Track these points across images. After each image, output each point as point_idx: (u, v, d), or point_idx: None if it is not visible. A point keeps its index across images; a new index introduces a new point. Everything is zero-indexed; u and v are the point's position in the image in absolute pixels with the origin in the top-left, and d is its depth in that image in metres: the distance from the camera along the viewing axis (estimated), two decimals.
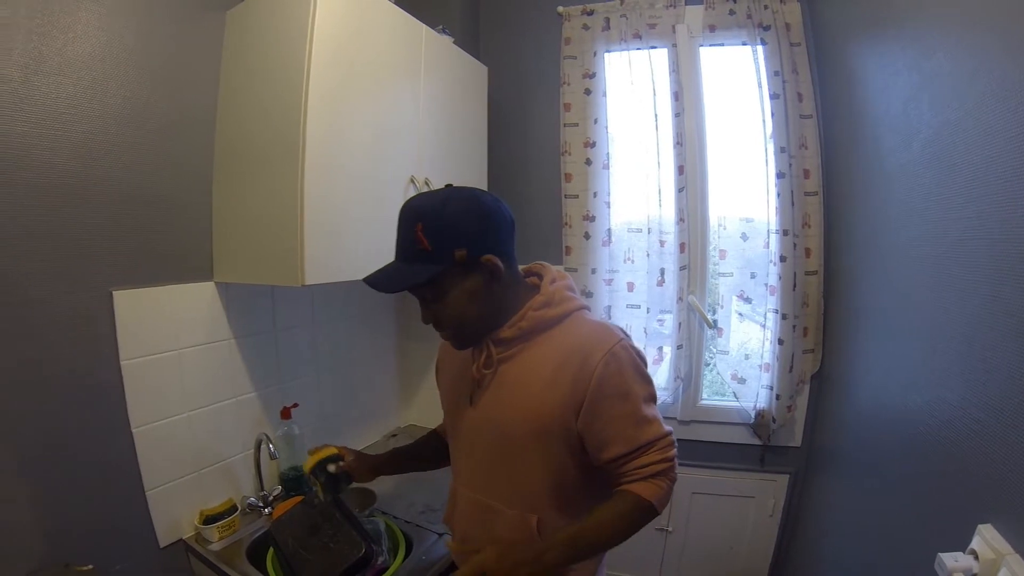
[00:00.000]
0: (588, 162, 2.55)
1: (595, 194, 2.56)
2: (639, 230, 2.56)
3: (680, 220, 2.45)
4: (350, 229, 1.74)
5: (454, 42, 2.28)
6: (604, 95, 2.53)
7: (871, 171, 1.93)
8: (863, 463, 1.90)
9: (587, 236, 2.58)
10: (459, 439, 1.36)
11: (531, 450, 1.19)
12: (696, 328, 2.57)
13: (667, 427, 1.21)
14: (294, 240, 1.59)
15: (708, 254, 2.56)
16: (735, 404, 2.54)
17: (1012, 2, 1.17)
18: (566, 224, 2.62)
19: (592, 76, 2.53)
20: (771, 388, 2.39)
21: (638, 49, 2.47)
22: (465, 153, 2.35)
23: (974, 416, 1.22)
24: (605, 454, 1.17)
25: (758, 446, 2.51)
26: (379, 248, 1.83)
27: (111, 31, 1.53)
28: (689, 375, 2.57)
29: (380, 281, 1.17)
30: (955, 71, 1.39)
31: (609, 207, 2.56)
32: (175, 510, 1.75)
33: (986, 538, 1.07)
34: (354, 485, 1.50)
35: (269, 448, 1.88)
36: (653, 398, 1.22)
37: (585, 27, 2.52)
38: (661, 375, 2.59)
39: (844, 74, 2.12)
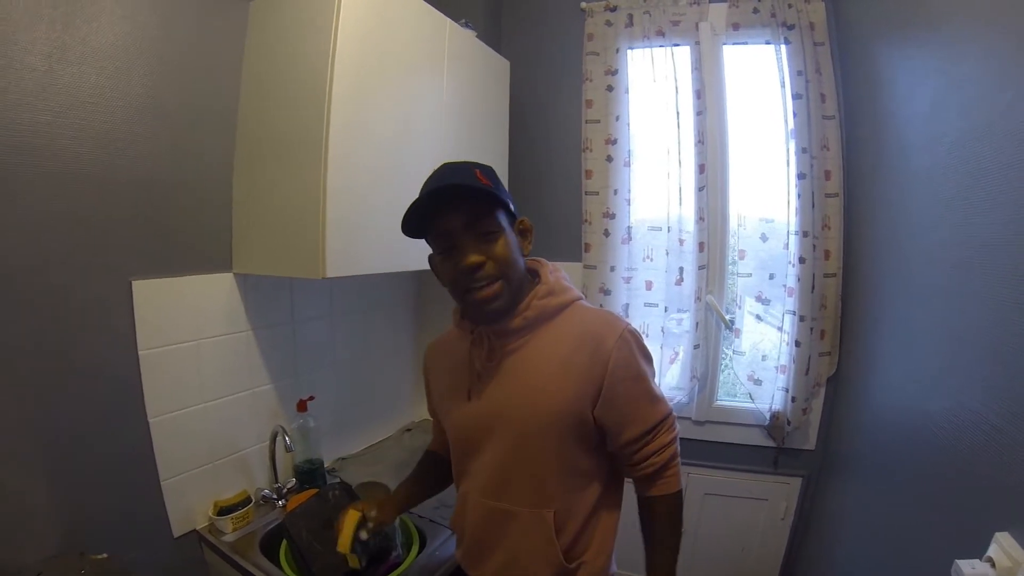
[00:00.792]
0: (609, 159, 2.54)
1: (615, 191, 2.54)
2: (659, 228, 2.54)
3: (700, 219, 2.43)
4: (371, 222, 1.73)
5: (477, 36, 2.27)
6: (626, 92, 2.51)
7: (894, 174, 1.91)
8: (878, 468, 1.89)
9: (607, 233, 2.56)
10: (462, 438, 1.32)
11: (544, 442, 1.19)
12: (713, 328, 2.55)
13: (670, 403, 1.28)
14: (316, 233, 1.58)
15: (727, 254, 2.54)
16: (750, 405, 2.52)
17: None
18: (586, 221, 2.61)
19: (614, 73, 2.51)
20: (787, 390, 2.37)
21: (661, 46, 2.44)
22: (487, 148, 2.34)
23: (994, 424, 1.21)
24: (624, 436, 1.20)
25: (772, 448, 2.49)
26: (400, 242, 1.82)
27: (134, 21, 1.53)
28: (705, 375, 2.55)
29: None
30: (984, 76, 1.37)
31: (629, 204, 2.54)
32: (189, 501, 1.75)
33: (1003, 546, 1.07)
34: (368, 481, 1.50)
35: (285, 440, 1.88)
36: (654, 376, 1.26)
37: (608, 23, 2.50)
38: (677, 374, 2.57)
39: (868, 75, 2.09)
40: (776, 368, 2.42)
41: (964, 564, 1.10)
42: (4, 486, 1.34)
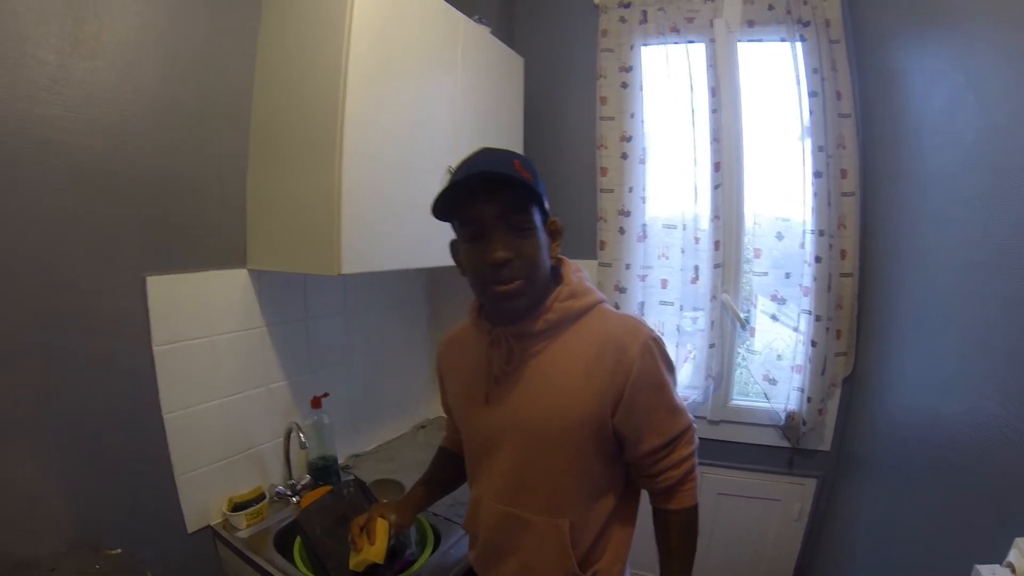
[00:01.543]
0: (624, 156, 2.53)
1: (631, 189, 2.53)
2: (674, 226, 2.53)
3: (715, 217, 2.41)
4: (387, 218, 1.74)
5: (491, 32, 2.27)
6: (641, 89, 2.50)
7: (911, 173, 1.90)
8: (894, 470, 1.87)
9: (622, 231, 2.55)
10: (477, 440, 1.30)
11: (563, 450, 1.16)
12: (728, 327, 2.54)
13: (690, 415, 1.24)
14: (331, 229, 1.58)
15: (742, 252, 2.52)
16: (765, 405, 2.50)
17: None
18: (601, 218, 2.60)
19: (629, 70, 2.50)
20: (802, 390, 2.35)
21: (675, 43, 2.43)
22: (501, 143, 2.26)
23: (1014, 427, 1.19)
24: (642, 446, 1.18)
25: (787, 448, 2.48)
26: (415, 239, 1.83)
27: (145, 16, 1.53)
28: (720, 375, 2.54)
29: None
30: (1003, 73, 1.36)
31: (644, 202, 2.53)
32: (204, 496, 1.76)
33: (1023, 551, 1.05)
34: (382, 478, 1.49)
35: (299, 437, 1.88)
36: (676, 384, 1.23)
37: (622, 20, 2.49)
38: (692, 373, 2.56)
39: (885, 72, 2.07)
40: (792, 368, 2.40)
41: (984, 569, 1.07)
42: (20, 481, 1.35)
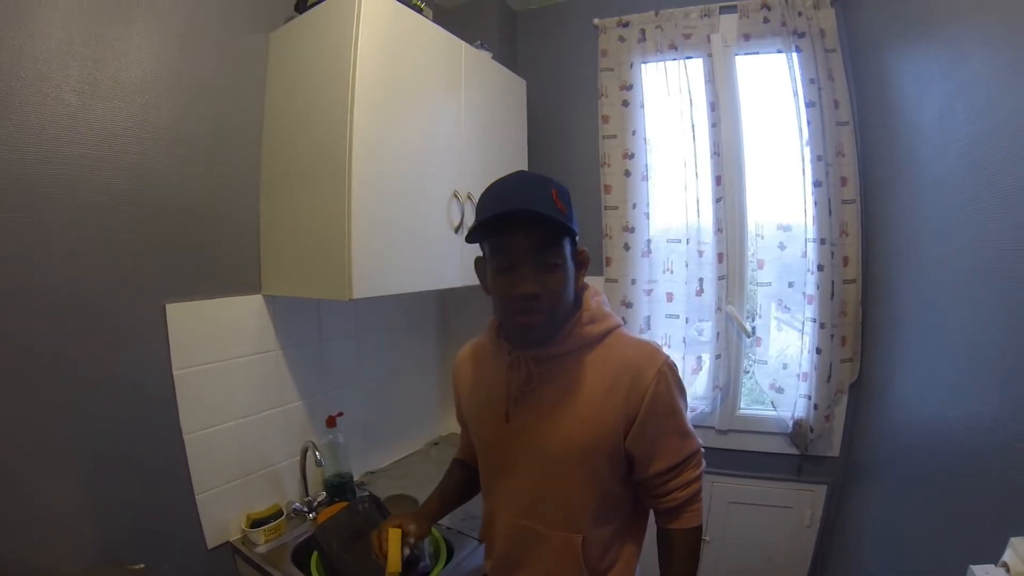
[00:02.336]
0: (627, 173, 2.57)
1: (634, 205, 2.57)
2: (678, 240, 2.56)
3: (718, 230, 2.44)
4: (396, 243, 1.78)
5: (493, 57, 2.32)
6: (641, 107, 2.55)
7: (909, 179, 1.90)
8: (900, 474, 1.88)
9: (627, 247, 2.59)
10: (493, 457, 1.32)
11: (578, 471, 1.18)
12: (734, 338, 2.56)
13: (699, 439, 1.25)
14: (341, 255, 1.62)
15: (746, 263, 2.54)
16: (773, 413, 2.51)
17: None
18: (606, 235, 2.64)
19: (629, 88, 2.54)
20: (809, 397, 2.37)
21: (674, 59, 2.47)
22: (506, 167, 2.32)
23: (1010, 429, 1.21)
24: (652, 468, 1.19)
25: (795, 456, 2.48)
26: (425, 261, 1.88)
27: (160, 57, 1.61)
28: (727, 385, 2.55)
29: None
30: (991, 78, 1.37)
31: (648, 218, 2.57)
32: (223, 514, 1.81)
33: (1018, 551, 1.05)
34: (396, 494, 1.51)
35: (315, 455, 1.92)
36: (687, 409, 1.24)
37: (621, 39, 2.54)
38: (699, 384, 2.58)
39: (880, 80, 2.09)
40: (798, 376, 2.41)
41: (978, 569, 1.08)
42: (46, 498, 1.40)
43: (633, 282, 2.59)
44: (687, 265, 2.53)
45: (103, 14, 1.47)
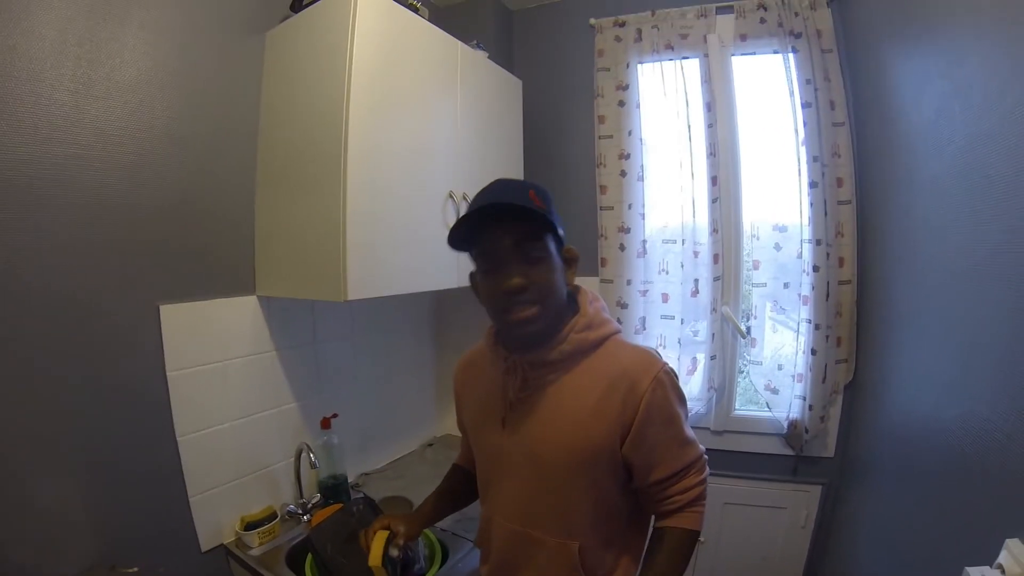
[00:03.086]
0: (623, 174, 2.57)
1: (630, 206, 2.57)
2: (673, 241, 2.56)
3: (714, 231, 2.44)
4: (391, 244, 1.78)
5: (488, 57, 2.31)
6: (637, 107, 2.55)
7: (905, 180, 1.90)
8: (895, 475, 1.88)
9: (622, 248, 2.59)
10: (490, 462, 1.32)
11: (575, 479, 1.17)
12: (729, 338, 2.56)
13: (702, 446, 1.24)
14: (337, 256, 1.62)
15: (742, 264, 2.55)
16: (768, 414, 2.52)
17: None
18: (601, 236, 2.64)
19: (625, 88, 2.54)
20: (804, 398, 2.37)
21: (670, 59, 2.47)
22: (502, 167, 2.37)
23: (1005, 430, 1.20)
24: (651, 477, 1.18)
25: (791, 456, 2.49)
26: (419, 263, 1.87)
27: (155, 57, 1.60)
28: (722, 385, 2.56)
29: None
30: (987, 79, 1.36)
31: (644, 218, 2.57)
32: (217, 516, 1.80)
33: (1013, 553, 1.06)
34: (391, 496, 1.51)
35: (310, 457, 1.92)
36: (687, 416, 1.23)
37: (617, 39, 2.54)
38: (694, 385, 2.58)
39: (876, 81, 2.09)
40: (793, 376, 2.41)
41: (974, 571, 1.09)
42: (41, 501, 1.40)
43: (628, 283, 2.59)
44: (682, 266, 2.53)
45: (97, 13, 1.45)
